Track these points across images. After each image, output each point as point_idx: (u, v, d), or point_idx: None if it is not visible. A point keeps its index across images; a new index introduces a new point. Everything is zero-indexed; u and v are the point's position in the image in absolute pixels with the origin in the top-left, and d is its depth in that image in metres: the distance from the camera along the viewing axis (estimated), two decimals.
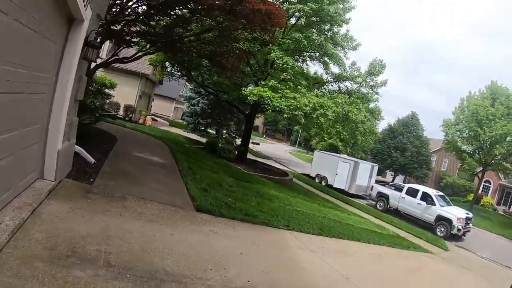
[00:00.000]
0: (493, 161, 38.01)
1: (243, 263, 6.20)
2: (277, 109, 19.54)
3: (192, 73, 24.70)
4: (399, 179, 53.93)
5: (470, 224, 23.49)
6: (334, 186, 30.56)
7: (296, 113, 18.94)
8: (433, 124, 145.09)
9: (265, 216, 9.79)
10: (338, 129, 21.04)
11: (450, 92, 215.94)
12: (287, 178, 24.34)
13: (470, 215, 23.35)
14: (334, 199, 24.52)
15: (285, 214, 11.03)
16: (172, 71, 27.25)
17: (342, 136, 21.92)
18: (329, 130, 21.33)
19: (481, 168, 40.21)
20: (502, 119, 35.07)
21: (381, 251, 11.70)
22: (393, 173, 55.06)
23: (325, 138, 58.40)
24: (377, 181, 31.19)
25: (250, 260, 6.46)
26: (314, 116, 19.07)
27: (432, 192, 24.33)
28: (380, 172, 54.13)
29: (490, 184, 51.90)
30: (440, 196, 24.48)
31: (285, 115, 20.09)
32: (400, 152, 50.89)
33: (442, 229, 21.91)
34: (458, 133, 39.71)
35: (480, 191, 45.47)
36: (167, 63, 25.38)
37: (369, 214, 21.99)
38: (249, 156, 30.60)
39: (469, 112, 37.64)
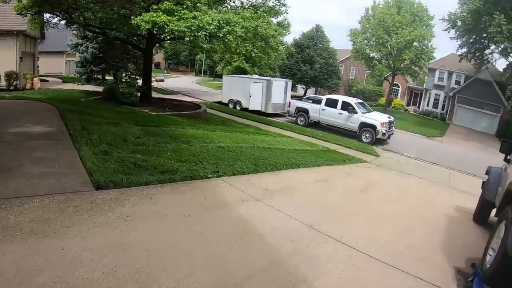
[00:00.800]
0: (402, 66, 40.85)
1: (178, 258, 4.45)
2: (176, 33, 16.63)
3: (73, 15, 20.92)
4: (310, 92, 54.55)
5: (393, 127, 23.62)
6: (250, 108, 29.18)
7: (199, 34, 16.10)
8: (336, 37, 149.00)
9: (187, 166, 8.10)
10: (248, 48, 19.11)
11: (349, 7, 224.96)
12: (201, 110, 22.26)
13: (392, 118, 23.38)
14: (254, 123, 23.27)
15: (210, 157, 9.42)
16: (47, 18, 22.95)
17: (254, 54, 19.89)
18: (238, 50, 19.19)
19: (390, 73, 42.98)
20: (409, 26, 37.59)
21: (324, 173, 10.91)
22: (304, 87, 55.10)
23: (232, 62, 56.65)
24: (292, 97, 30.29)
25: (185, 250, 4.73)
26: (221, 35, 16.59)
27: (352, 100, 23.82)
28: (292, 87, 53.91)
29: (399, 87, 55.64)
30: (360, 103, 24.17)
31: (186, 39, 17.14)
32: (309, 65, 50.71)
33: (367, 135, 21.78)
34: (366, 41, 41.61)
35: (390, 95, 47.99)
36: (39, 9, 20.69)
37: (293, 132, 21.22)
38: (155, 95, 28.21)
39: (376, 21, 39.73)
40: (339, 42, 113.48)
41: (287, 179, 9.24)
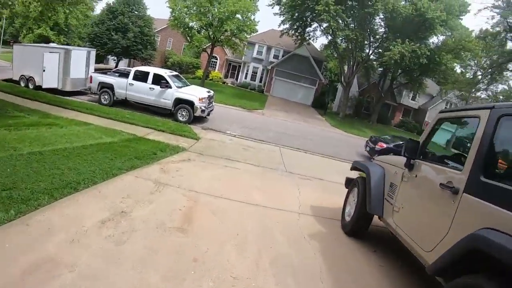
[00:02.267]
0: (222, 37, 39.70)
1: None
2: None
3: None
4: (123, 64, 49.66)
5: (213, 102, 20.94)
6: (44, 86, 22.54)
7: None
8: (156, 7, 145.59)
9: None
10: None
11: None
12: None
13: (211, 92, 20.44)
14: (44, 106, 17.38)
15: None
16: None
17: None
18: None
19: (210, 44, 41.55)
20: None
21: (120, 193, 6.91)
22: (115, 58, 49.46)
23: (34, 29, 48.97)
24: (98, 70, 24.78)
25: None
26: None
27: (165, 72, 19.92)
28: (102, 59, 48.72)
29: (217, 59, 55.45)
30: (175, 76, 20.54)
31: None
32: (122, 33, 45.46)
33: (184, 114, 18.53)
34: (186, 9, 38.77)
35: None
36: None
37: (93, 115, 16.33)
38: None
39: None
40: (158, 12, 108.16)
41: (42, 235, 4.84)
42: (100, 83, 20.60)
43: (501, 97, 56.10)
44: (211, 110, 20.12)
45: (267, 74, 51.02)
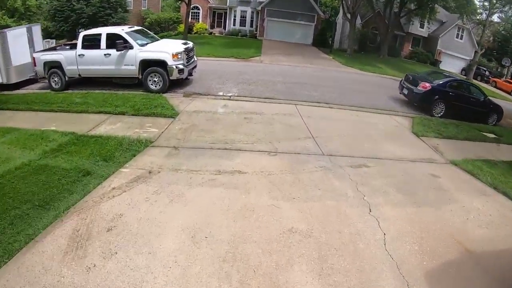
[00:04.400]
0: None
1: None
2: None
3: None
4: None
5: (194, 57, 15.58)
6: None
7: None
8: None
9: None
10: None
11: None
12: None
13: (190, 44, 15.04)
14: None
15: None
16: None
17: None
18: None
19: None
20: None
21: None
22: (84, 30, 43.40)
23: None
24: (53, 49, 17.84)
25: None
26: None
27: (122, 29, 14.48)
28: (74, 35, 43.15)
29: (199, 9, 48.20)
30: (138, 31, 15.08)
31: None
32: (85, 0, 39.68)
33: (156, 80, 13.55)
34: None
35: (190, 19, 39.51)
36: None
37: (32, 110, 11.32)
38: None
39: None
40: None
41: None
42: (45, 63, 15.24)
43: None
44: (193, 68, 15.10)
45: (258, 17, 45.38)
